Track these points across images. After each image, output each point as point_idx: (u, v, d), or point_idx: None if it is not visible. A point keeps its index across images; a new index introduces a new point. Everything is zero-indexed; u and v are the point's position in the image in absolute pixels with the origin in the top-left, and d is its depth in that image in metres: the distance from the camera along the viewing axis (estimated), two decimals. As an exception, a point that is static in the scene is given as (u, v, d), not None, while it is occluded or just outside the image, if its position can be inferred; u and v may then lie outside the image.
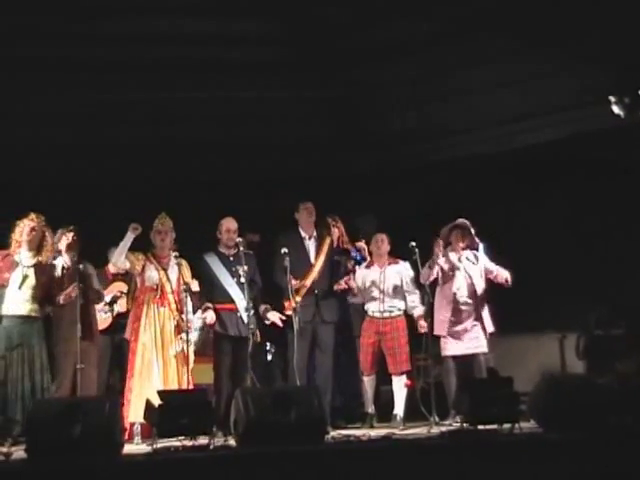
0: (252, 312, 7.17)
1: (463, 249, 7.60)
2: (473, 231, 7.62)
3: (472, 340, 7.46)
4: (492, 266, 7.60)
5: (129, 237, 7.05)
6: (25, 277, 6.88)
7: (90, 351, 7.03)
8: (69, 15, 8.11)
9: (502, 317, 7.76)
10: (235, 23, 8.50)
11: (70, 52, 8.54)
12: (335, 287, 7.58)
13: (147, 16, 8.29)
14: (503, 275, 7.51)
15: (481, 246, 7.68)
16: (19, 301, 6.84)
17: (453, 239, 7.61)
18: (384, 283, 7.63)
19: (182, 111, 9.35)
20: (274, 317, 7.42)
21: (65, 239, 7.17)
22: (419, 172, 9.74)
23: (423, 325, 7.45)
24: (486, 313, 7.56)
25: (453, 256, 7.58)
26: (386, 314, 7.61)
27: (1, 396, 6.62)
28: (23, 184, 8.94)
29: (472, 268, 7.56)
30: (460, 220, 7.63)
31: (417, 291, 7.62)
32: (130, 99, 9.03)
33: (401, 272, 7.68)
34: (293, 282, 7.37)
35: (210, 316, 7.22)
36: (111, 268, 7.96)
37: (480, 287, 7.52)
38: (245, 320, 7.19)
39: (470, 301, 7.49)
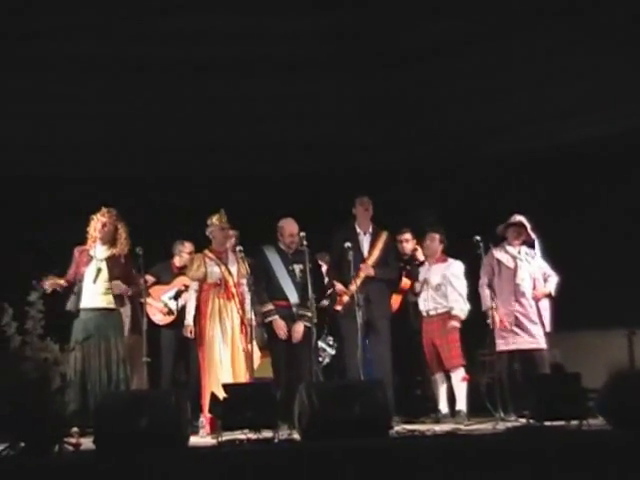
0: (313, 303, 7.19)
1: (520, 245, 7.67)
2: (529, 227, 7.67)
3: (531, 336, 7.47)
4: (547, 268, 7.67)
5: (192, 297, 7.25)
6: (99, 270, 7.02)
7: (138, 346, 7.11)
8: (104, 13, 8.17)
9: (568, 313, 7.74)
10: (275, 20, 8.50)
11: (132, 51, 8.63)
12: None
13: (177, 15, 8.31)
14: (550, 285, 7.59)
15: (537, 242, 7.72)
16: (94, 294, 6.99)
17: (510, 236, 7.68)
18: (429, 281, 7.71)
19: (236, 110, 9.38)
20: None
21: None
22: (469, 168, 9.67)
23: (452, 324, 7.54)
24: (546, 310, 7.56)
25: (512, 249, 7.64)
26: (432, 312, 7.69)
27: (80, 387, 6.73)
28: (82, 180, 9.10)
29: (531, 262, 7.65)
30: (516, 217, 7.69)
31: (458, 290, 7.62)
32: (178, 98, 9.09)
33: (443, 270, 7.72)
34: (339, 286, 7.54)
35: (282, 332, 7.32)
36: (177, 261, 8.04)
37: (539, 282, 7.60)
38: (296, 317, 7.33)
39: (532, 293, 7.55)
